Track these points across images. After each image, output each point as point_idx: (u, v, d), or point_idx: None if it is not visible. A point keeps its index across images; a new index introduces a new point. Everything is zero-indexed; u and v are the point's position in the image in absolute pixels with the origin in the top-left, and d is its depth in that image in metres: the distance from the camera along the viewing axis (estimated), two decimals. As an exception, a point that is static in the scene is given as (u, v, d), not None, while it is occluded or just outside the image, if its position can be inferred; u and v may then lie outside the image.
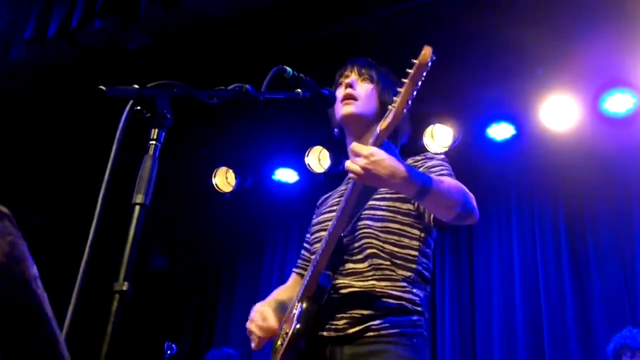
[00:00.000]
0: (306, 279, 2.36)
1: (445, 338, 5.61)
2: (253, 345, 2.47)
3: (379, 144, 2.11)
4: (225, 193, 6.25)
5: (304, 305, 2.32)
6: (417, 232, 2.43)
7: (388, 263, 2.37)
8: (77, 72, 5.10)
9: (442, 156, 2.53)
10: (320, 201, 2.81)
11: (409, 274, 2.39)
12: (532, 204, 5.65)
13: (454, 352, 5.53)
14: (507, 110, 5.24)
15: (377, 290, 2.33)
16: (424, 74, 2.10)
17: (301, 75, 2.16)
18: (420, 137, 5.26)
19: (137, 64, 4.91)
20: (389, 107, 2.13)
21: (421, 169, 2.39)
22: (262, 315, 2.47)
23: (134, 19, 4.32)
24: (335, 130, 2.70)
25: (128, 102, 1.60)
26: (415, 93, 2.10)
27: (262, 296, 2.72)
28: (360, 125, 2.56)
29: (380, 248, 2.39)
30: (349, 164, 2.09)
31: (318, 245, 2.47)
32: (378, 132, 2.12)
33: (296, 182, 6.17)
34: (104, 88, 1.55)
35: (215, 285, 7.02)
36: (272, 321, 2.44)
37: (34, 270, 0.93)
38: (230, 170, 6.24)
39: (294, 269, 2.77)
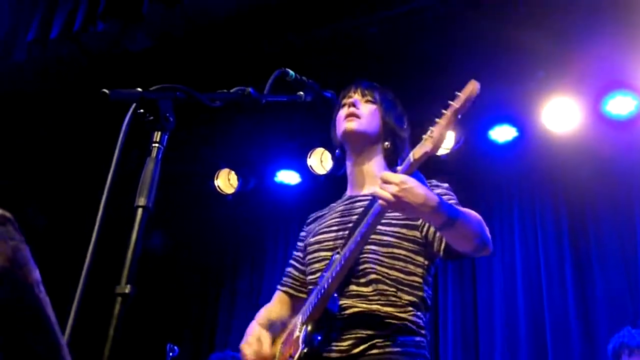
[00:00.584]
0: (313, 302, 2.31)
1: (448, 338, 5.60)
2: None
3: (411, 172, 2.11)
4: (228, 195, 6.26)
5: (310, 328, 2.29)
6: (421, 259, 2.41)
7: (394, 290, 2.34)
8: (80, 74, 5.11)
9: (447, 185, 2.51)
10: (310, 219, 2.75)
11: (414, 299, 2.37)
12: (534, 206, 5.64)
13: (457, 353, 5.53)
14: (509, 113, 5.24)
15: (383, 313, 2.30)
16: (467, 108, 2.11)
17: (303, 78, 2.16)
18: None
19: (140, 66, 4.91)
20: (424, 136, 2.11)
21: None
22: (258, 339, 2.44)
23: (137, 21, 4.33)
24: (337, 151, 2.68)
25: (131, 105, 1.60)
26: (453, 127, 2.10)
27: (264, 298, 2.71)
28: (361, 143, 2.56)
29: (385, 274, 2.35)
30: (379, 191, 2.06)
31: (317, 265, 2.45)
32: (412, 160, 2.10)
33: (298, 183, 6.17)
34: (106, 91, 1.55)
35: (216, 287, 7.02)
36: (268, 346, 2.42)
37: (37, 274, 0.94)
38: (233, 172, 6.24)
39: (280, 287, 2.71)
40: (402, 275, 2.37)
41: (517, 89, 5.08)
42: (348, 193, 2.64)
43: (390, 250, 2.38)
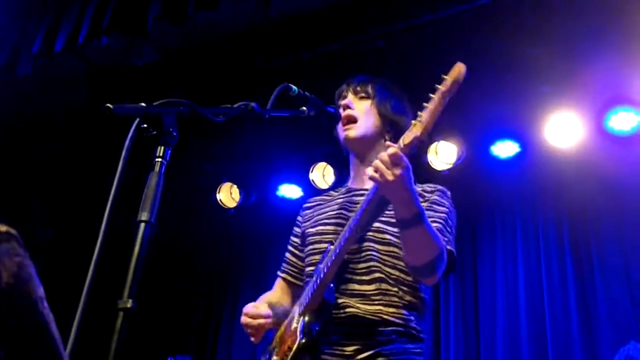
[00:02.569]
0: (309, 292, 2.33)
1: (450, 352, 5.57)
2: (253, 339, 2.46)
3: None
4: (230, 208, 6.25)
5: (307, 318, 2.31)
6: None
7: (396, 290, 2.36)
8: (84, 87, 5.13)
9: (443, 188, 2.53)
10: (308, 204, 2.76)
11: (414, 300, 2.39)
12: (537, 221, 5.63)
13: (458, 369, 5.51)
14: (512, 128, 5.24)
15: (385, 315, 2.31)
16: (454, 91, 2.11)
17: (307, 93, 2.18)
18: (424, 153, 5.26)
19: (144, 79, 4.93)
20: (413, 121, 2.11)
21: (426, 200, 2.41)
22: (254, 306, 2.48)
23: (141, 35, 4.35)
24: (344, 148, 2.70)
25: (135, 120, 1.61)
26: (441, 110, 2.10)
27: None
28: (363, 146, 2.59)
29: (388, 273, 2.37)
30: (383, 168, 2.04)
31: (316, 257, 2.46)
32: (402, 145, 2.09)
33: (300, 198, 6.16)
34: (110, 106, 1.55)
35: (219, 301, 7.01)
36: (265, 309, 2.44)
37: (41, 291, 0.94)
38: (235, 186, 6.24)
39: (279, 273, 2.74)
40: (402, 275, 2.39)
41: (519, 104, 5.09)
42: (349, 185, 2.67)
43: (391, 249, 2.40)
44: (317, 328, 2.29)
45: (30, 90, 5.11)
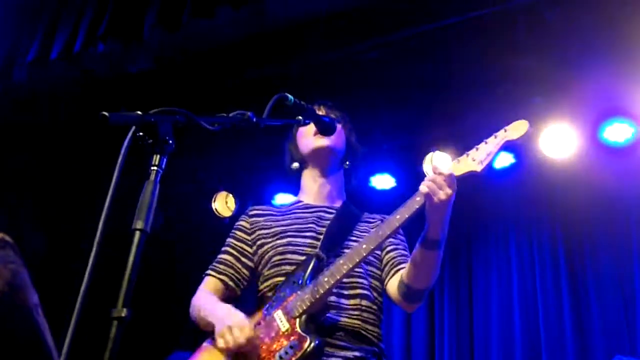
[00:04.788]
0: (306, 297, 2.33)
1: (444, 366, 5.57)
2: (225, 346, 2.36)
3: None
4: (225, 218, 6.24)
5: (309, 321, 2.33)
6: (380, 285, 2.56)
7: (375, 308, 2.49)
8: (80, 95, 5.12)
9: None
10: (257, 212, 2.75)
11: (381, 318, 2.53)
12: (531, 232, 5.64)
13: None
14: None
15: (363, 332, 2.42)
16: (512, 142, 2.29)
17: (302, 102, 2.18)
18: (419, 164, 5.26)
19: (140, 87, 4.93)
20: (464, 159, 2.34)
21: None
22: (250, 328, 2.38)
23: (137, 43, 4.35)
24: (295, 164, 2.77)
25: (130, 128, 1.61)
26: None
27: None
28: (329, 160, 2.69)
29: (369, 290, 2.49)
30: (435, 187, 2.25)
31: (289, 267, 2.48)
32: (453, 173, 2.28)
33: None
34: (106, 114, 1.55)
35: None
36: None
37: (35, 298, 0.94)
38: (230, 195, 6.23)
39: (214, 274, 2.69)
40: (378, 297, 2.53)
41: (513, 115, 5.07)
42: (303, 200, 2.73)
43: (371, 268, 2.54)
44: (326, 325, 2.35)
45: (24, 96, 5.10)
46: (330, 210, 2.64)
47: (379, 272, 2.55)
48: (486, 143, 2.22)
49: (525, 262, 5.57)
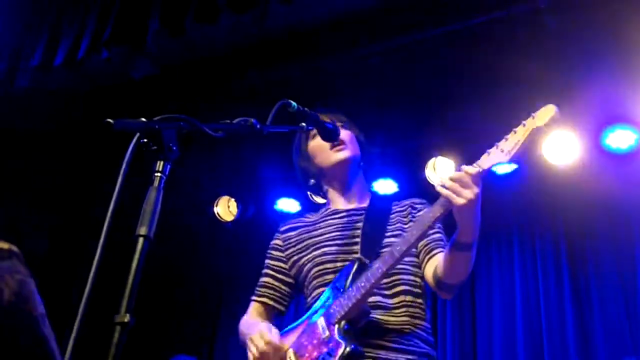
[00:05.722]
0: (345, 304, 2.33)
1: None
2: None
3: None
4: (227, 222, 6.24)
5: (347, 327, 2.33)
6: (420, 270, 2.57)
7: (420, 301, 2.49)
8: (83, 101, 5.13)
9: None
10: (285, 228, 2.77)
11: (426, 304, 2.53)
12: (534, 239, 5.63)
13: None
14: (509, 145, 5.24)
15: (413, 328, 2.43)
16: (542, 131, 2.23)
17: (306, 109, 2.19)
18: (422, 169, 5.27)
19: (144, 93, 4.94)
20: (494, 151, 2.29)
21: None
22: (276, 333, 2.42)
23: (141, 48, 4.36)
24: (312, 180, 2.75)
25: (135, 135, 1.61)
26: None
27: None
28: (351, 168, 2.67)
29: (413, 283, 2.48)
30: (459, 187, 2.14)
31: (330, 276, 2.50)
32: (481, 170, 2.24)
33: (298, 212, 6.15)
34: (111, 121, 1.56)
35: (215, 314, 6.98)
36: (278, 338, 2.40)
37: (41, 308, 0.94)
38: (232, 200, 6.23)
39: (256, 298, 2.74)
40: (418, 281, 2.54)
41: (515, 120, 5.07)
42: (333, 207, 2.73)
43: (412, 259, 2.53)
44: (357, 334, 2.34)
45: (27, 102, 5.11)
46: (360, 211, 2.65)
47: (417, 260, 2.54)
48: (515, 132, 2.16)
49: (528, 268, 5.57)
